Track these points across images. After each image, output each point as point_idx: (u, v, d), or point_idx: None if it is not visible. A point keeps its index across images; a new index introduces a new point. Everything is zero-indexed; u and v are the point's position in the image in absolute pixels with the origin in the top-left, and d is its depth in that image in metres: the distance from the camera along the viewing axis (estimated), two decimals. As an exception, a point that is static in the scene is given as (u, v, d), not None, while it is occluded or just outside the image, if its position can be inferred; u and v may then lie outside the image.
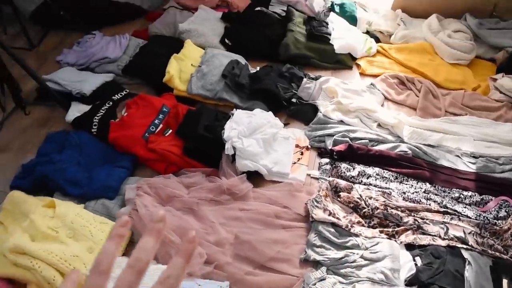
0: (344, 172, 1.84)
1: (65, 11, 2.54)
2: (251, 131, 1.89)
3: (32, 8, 2.66)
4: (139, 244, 0.39)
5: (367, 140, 1.97)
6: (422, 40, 2.60)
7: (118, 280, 0.37)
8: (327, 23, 2.61)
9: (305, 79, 2.24)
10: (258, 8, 2.72)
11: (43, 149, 1.92)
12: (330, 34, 2.52)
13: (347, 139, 1.96)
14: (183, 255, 0.39)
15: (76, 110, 2.10)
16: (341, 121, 2.07)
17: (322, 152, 1.96)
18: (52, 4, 2.49)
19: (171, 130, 1.95)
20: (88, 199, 1.70)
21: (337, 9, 2.74)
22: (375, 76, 2.40)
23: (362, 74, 2.43)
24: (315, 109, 2.14)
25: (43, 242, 1.47)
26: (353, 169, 1.86)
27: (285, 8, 2.75)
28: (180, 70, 2.25)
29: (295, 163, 1.91)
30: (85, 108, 2.10)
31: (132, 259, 0.38)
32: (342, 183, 1.77)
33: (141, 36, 2.60)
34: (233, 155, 1.81)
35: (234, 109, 2.03)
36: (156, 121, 1.98)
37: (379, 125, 2.07)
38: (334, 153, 1.90)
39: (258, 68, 2.31)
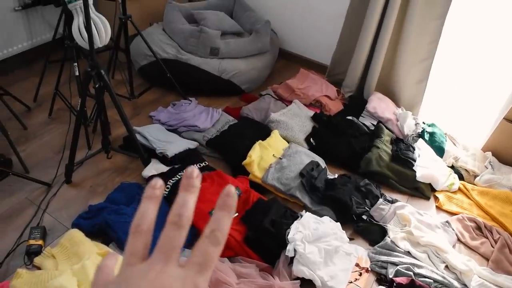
0: (401, 308, 1.73)
1: (171, 74, 2.69)
2: (316, 238, 1.85)
3: (144, 63, 2.85)
4: (177, 200, 0.37)
5: (431, 281, 1.86)
6: (508, 189, 2.50)
7: (161, 237, 0.35)
8: (414, 148, 2.59)
9: (381, 199, 2.19)
10: (350, 117, 2.75)
11: (113, 196, 1.97)
12: (415, 160, 2.49)
13: (411, 273, 1.87)
14: (224, 208, 0.37)
15: (154, 168, 2.16)
16: (408, 252, 1.99)
17: (381, 279, 1.88)
18: (163, 66, 2.65)
19: (237, 214, 1.95)
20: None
21: (426, 136, 2.72)
22: (452, 213, 2.32)
23: (439, 208, 2.36)
24: (383, 232, 2.08)
25: (88, 293, 1.46)
26: None
27: (375, 123, 2.77)
28: (261, 157, 2.28)
29: (351, 282, 1.83)
30: (163, 168, 2.16)
31: (172, 215, 0.36)
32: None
33: (232, 114, 2.68)
34: (292, 258, 1.76)
35: (304, 211, 2.01)
36: (226, 201, 1.97)
37: (446, 267, 1.96)
38: (395, 284, 1.80)
39: (336, 176, 2.30)
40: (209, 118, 2.56)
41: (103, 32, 1.88)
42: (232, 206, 0.37)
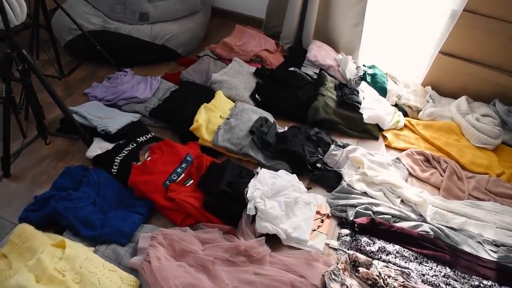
0: (364, 246, 1.78)
1: (101, 46, 2.56)
2: (274, 193, 1.85)
3: (69, 38, 2.69)
4: None
5: (389, 216, 1.92)
6: (450, 119, 2.59)
7: None
8: (358, 92, 2.62)
9: (332, 146, 2.22)
10: (292, 68, 2.74)
11: (59, 183, 1.88)
12: (360, 103, 2.52)
13: (370, 212, 1.92)
14: None
15: (98, 147, 2.07)
16: (365, 192, 2.04)
17: (342, 223, 1.92)
18: (90, 39, 2.51)
19: (192, 181, 1.92)
20: (99, 242, 1.64)
21: (368, 78, 2.76)
22: (401, 150, 2.39)
23: (388, 146, 2.42)
24: (339, 177, 2.11)
25: (48, 285, 1.39)
26: (373, 244, 1.80)
27: (317, 71, 2.77)
28: (209, 120, 2.24)
29: (314, 230, 1.85)
30: (108, 146, 2.08)
31: None
32: (362, 257, 1.70)
33: (172, 80, 2.62)
34: (253, 216, 1.76)
35: (259, 168, 2.00)
36: (179, 170, 1.94)
37: (402, 201, 2.03)
38: (356, 225, 1.85)
39: (286, 128, 2.30)
40: (148, 87, 2.48)
41: (17, 8, 1.73)
42: None
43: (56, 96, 1.91)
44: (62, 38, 2.74)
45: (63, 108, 1.97)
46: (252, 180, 1.87)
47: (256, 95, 2.52)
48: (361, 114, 2.48)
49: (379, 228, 1.85)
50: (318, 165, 2.14)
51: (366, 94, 2.61)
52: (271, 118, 2.36)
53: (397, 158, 2.28)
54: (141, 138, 2.14)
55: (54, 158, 2.12)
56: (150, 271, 1.51)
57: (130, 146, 2.06)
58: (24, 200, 1.85)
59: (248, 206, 1.75)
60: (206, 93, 2.43)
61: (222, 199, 1.81)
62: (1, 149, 1.95)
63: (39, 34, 2.47)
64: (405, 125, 2.56)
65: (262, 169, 1.98)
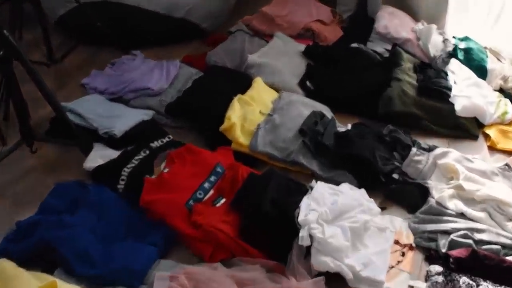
0: (464, 291, 1.70)
1: (102, 22, 2.57)
2: (336, 215, 1.80)
3: (62, 12, 2.72)
4: None
5: (499, 247, 1.84)
6: None
7: None
8: (446, 73, 2.57)
9: (414, 149, 2.17)
10: (354, 45, 2.73)
11: (48, 203, 1.88)
12: (450, 89, 2.47)
13: (470, 241, 1.84)
14: None
15: (100, 155, 2.07)
16: (462, 213, 1.96)
17: (432, 256, 1.84)
18: (89, 12, 2.53)
19: (224, 200, 1.89)
20: (102, 284, 1.61)
21: (460, 55, 2.72)
22: (510, 152, 2.33)
23: (492, 148, 2.36)
24: (424, 192, 2.05)
25: None
26: (477, 286, 1.71)
27: (389, 47, 2.76)
28: (244, 117, 2.24)
29: (392, 267, 1.79)
30: (112, 154, 2.08)
31: None
32: (461, 306, 1.63)
33: (195, 64, 2.63)
34: (308, 247, 1.70)
35: (313, 181, 1.97)
36: (206, 185, 1.93)
37: (515, 225, 1.96)
38: (451, 259, 1.77)
39: (349, 126, 2.28)
40: (164, 75, 2.48)
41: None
42: None
43: (45, 89, 1.91)
44: (53, 13, 2.77)
45: (54, 104, 1.98)
46: (305, 198, 1.83)
47: (307, 82, 2.50)
48: (452, 104, 2.43)
49: (484, 264, 1.76)
50: (395, 176, 2.09)
51: (459, 76, 2.56)
52: (328, 113, 2.34)
53: (506, 165, 2.21)
54: (155, 142, 2.13)
55: (42, 171, 2.12)
56: (170, 324, 1.48)
57: (142, 153, 2.06)
58: (2, 228, 1.84)
59: (300, 234, 1.70)
60: (240, 81, 2.42)
61: (264, 223, 1.78)
62: (-26, 161, 1.98)
63: (22, 7, 2.50)
64: (515, 118, 2.50)
65: (318, 182, 1.95)
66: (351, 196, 1.89)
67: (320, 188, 1.89)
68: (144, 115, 2.25)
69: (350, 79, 2.49)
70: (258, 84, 2.40)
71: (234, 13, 3.11)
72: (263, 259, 1.72)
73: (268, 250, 1.75)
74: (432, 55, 2.72)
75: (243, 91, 2.34)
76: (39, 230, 1.72)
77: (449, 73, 2.58)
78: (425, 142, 2.27)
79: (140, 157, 2.03)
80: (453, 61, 2.66)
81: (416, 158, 2.14)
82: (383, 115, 2.37)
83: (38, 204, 1.88)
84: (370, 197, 1.97)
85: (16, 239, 1.74)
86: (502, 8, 2.93)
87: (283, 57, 2.59)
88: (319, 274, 1.68)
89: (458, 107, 2.40)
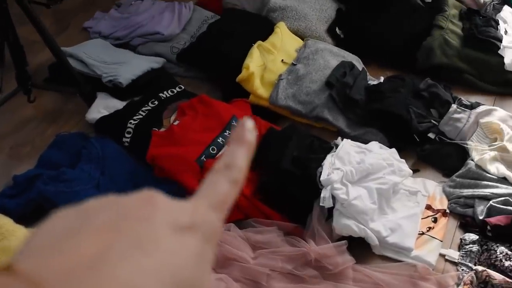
0: (501, 260, 1.75)
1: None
2: (362, 176, 1.84)
3: None
4: (225, 152, 0.40)
5: None
6: None
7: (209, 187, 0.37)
8: (496, 22, 2.55)
9: (454, 106, 2.17)
10: None
11: (48, 157, 1.95)
12: (500, 40, 2.45)
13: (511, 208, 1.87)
14: (241, 142, 0.40)
15: (104, 105, 2.13)
16: (504, 178, 1.99)
17: (467, 223, 1.89)
18: None
19: (240, 157, 1.93)
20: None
21: None
22: None
23: (544, 108, 2.35)
24: (463, 153, 2.09)
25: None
26: None
27: None
28: (265, 66, 2.25)
29: (423, 233, 1.84)
30: (117, 104, 2.14)
31: (220, 164, 0.39)
32: (498, 277, 1.68)
33: (210, 7, 2.64)
34: (330, 209, 1.76)
35: (339, 138, 2.01)
36: (220, 140, 1.97)
37: None
38: (488, 227, 1.82)
39: (381, 79, 2.28)
40: (175, 18, 2.51)
41: None
42: (251, 142, 0.40)
43: (44, 31, 1.96)
44: None
45: (53, 48, 2.02)
46: (328, 156, 1.87)
47: (337, 29, 2.50)
48: (502, 56, 2.41)
49: (526, 233, 1.81)
50: (431, 135, 2.11)
51: (511, 25, 2.54)
52: (359, 64, 2.34)
53: None
54: (165, 93, 2.17)
55: (41, 122, 2.19)
56: None
57: (150, 104, 2.10)
58: (-1, 182, 1.93)
59: (322, 195, 1.75)
60: (261, 26, 2.43)
61: (284, 182, 1.82)
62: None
63: None
64: None
65: (345, 139, 1.98)
66: (380, 156, 1.91)
67: (346, 146, 1.92)
68: (153, 62, 2.28)
69: (386, 26, 2.48)
70: (281, 29, 2.40)
71: None
72: (280, 222, 1.78)
73: (286, 212, 1.81)
74: (482, 0, 2.68)
75: (264, 38, 2.34)
76: (38, 184, 1.79)
77: (500, 21, 2.55)
78: (468, 99, 2.26)
79: (148, 108, 2.08)
80: (506, 8, 2.63)
81: (456, 115, 2.14)
82: (422, 67, 2.37)
83: (37, 157, 1.96)
84: (404, 158, 1.98)
85: (13, 194, 1.82)
86: None
87: (311, 0, 2.58)
88: (341, 238, 1.74)
89: (508, 60, 2.38)
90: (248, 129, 0.40)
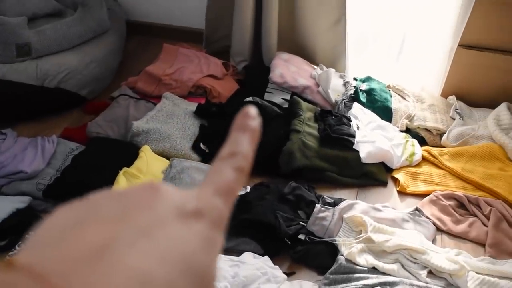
0: None
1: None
2: (238, 290, 1.85)
3: None
4: (229, 140, 0.41)
5: None
6: (488, 140, 2.66)
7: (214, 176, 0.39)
8: (349, 119, 2.65)
9: (318, 205, 2.23)
10: (249, 99, 2.74)
11: None
12: (353, 136, 2.55)
13: None
14: (245, 130, 0.42)
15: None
16: (374, 268, 2.04)
17: (347, 319, 1.91)
18: None
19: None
20: None
21: (363, 97, 2.80)
22: (421, 195, 2.43)
23: (402, 192, 2.45)
24: (333, 250, 2.13)
25: None
26: None
27: (288, 97, 2.80)
28: (132, 192, 2.24)
29: (304, 338, 1.85)
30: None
31: (224, 152, 0.41)
32: None
33: (75, 138, 2.62)
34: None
35: (213, 254, 2.00)
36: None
37: (430, 272, 2.04)
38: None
39: (248, 189, 2.31)
40: (39, 153, 2.47)
41: None
42: (255, 129, 0.42)
43: None
44: None
45: None
46: None
47: (201, 145, 2.54)
48: (357, 151, 2.50)
49: (400, 319, 1.85)
50: (301, 236, 2.14)
51: (362, 121, 2.65)
52: None
53: (416, 209, 2.30)
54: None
55: None
56: None
57: (17, 248, 2.05)
58: None
59: None
60: (126, 152, 2.44)
61: None
62: None
63: None
64: (423, 158, 2.59)
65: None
66: (253, 266, 1.93)
67: (219, 262, 1.94)
68: (18, 202, 2.23)
69: (247, 137, 2.54)
70: (146, 153, 2.41)
71: (117, 76, 3.13)
72: None
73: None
74: (333, 100, 2.79)
75: (129, 163, 2.35)
76: None
77: (352, 118, 2.66)
78: (333, 194, 2.35)
79: (15, 251, 2.02)
80: (355, 105, 2.74)
81: (321, 214, 2.20)
82: (286, 172, 2.41)
83: None
84: (278, 263, 2.01)
85: None
86: (402, 42, 3.06)
87: (173, 120, 2.62)
88: None
89: (362, 154, 2.47)
90: (251, 116, 0.42)
